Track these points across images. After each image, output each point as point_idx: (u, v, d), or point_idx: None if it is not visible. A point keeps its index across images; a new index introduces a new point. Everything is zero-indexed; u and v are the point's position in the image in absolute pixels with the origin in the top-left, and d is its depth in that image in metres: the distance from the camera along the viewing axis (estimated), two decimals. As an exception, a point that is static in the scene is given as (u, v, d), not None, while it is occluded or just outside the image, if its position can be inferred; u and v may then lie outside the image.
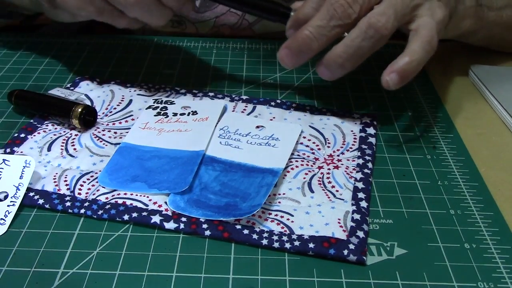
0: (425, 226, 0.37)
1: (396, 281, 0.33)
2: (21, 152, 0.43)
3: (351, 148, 0.44)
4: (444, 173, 0.42)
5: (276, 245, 0.35)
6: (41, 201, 0.38)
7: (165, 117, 0.46)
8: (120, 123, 0.47)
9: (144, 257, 0.34)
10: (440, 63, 0.58)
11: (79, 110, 0.44)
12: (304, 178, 0.41)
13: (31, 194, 0.39)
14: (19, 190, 0.38)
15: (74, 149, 0.43)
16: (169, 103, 0.48)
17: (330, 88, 0.53)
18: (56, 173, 0.41)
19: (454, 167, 0.43)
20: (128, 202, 0.38)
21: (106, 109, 0.48)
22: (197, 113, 0.47)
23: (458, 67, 0.57)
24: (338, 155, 0.43)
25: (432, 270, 0.34)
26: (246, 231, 0.36)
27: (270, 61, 0.58)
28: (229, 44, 0.61)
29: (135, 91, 0.51)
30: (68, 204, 0.38)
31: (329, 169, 0.42)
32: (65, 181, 0.40)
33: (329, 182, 0.40)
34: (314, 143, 0.45)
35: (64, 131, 0.45)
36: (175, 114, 0.47)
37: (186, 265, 0.34)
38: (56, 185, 0.39)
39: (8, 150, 0.43)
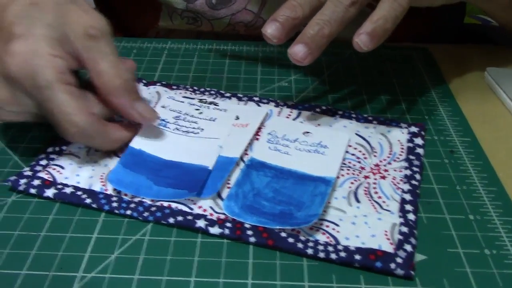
0: (444, 232, 0.37)
1: None
2: (69, 151, 0.43)
3: (398, 158, 0.43)
4: (462, 178, 0.42)
5: (321, 255, 0.34)
6: (88, 201, 0.38)
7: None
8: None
9: (162, 261, 0.34)
10: (456, 66, 0.58)
11: None
12: (350, 187, 0.40)
13: (79, 193, 0.38)
14: None
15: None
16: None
17: (345, 89, 0.53)
18: (103, 173, 0.40)
19: (472, 171, 0.42)
20: (174, 205, 0.38)
21: None
22: (238, 118, 0.46)
23: (474, 70, 0.57)
24: (384, 165, 0.42)
25: (452, 277, 0.34)
26: (291, 240, 0.35)
27: (285, 63, 0.58)
28: (242, 47, 0.61)
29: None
30: (114, 204, 0.38)
31: (375, 179, 0.41)
32: None
33: (376, 193, 0.39)
34: (360, 151, 0.44)
35: None
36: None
37: (205, 269, 0.34)
38: (103, 185, 0.39)
39: (57, 148, 0.43)
